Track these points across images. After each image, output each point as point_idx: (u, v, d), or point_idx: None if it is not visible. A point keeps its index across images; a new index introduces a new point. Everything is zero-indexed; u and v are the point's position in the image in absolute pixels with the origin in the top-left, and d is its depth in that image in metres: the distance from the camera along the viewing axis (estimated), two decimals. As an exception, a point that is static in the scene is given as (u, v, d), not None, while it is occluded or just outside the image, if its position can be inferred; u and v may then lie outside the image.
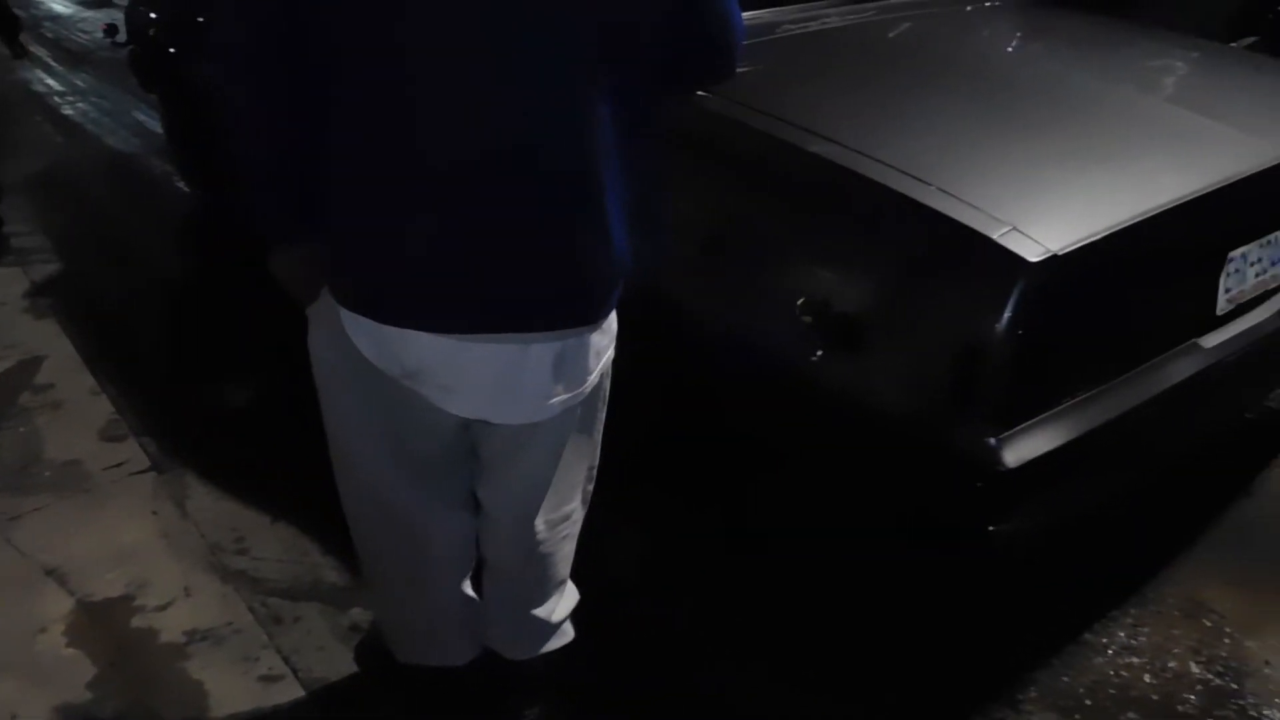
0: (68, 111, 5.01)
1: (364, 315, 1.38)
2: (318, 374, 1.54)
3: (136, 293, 3.35)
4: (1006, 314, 1.53)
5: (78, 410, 2.70)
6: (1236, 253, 1.98)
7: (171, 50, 3.42)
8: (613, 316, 1.51)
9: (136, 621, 2.04)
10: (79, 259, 3.59)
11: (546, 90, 1.28)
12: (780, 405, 1.77)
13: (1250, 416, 2.68)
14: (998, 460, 1.58)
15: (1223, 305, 1.99)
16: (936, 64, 2.26)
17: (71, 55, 5.88)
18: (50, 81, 5.42)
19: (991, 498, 1.63)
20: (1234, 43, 3.51)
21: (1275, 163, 1.94)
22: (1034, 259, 1.53)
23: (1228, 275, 1.98)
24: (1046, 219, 1.62)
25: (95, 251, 3.66)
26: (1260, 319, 2.05)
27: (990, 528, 1.65)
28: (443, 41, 1.23)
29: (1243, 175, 1.87)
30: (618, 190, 1.38)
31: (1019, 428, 1.62)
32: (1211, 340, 1.95)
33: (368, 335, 1.39)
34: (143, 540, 2.25)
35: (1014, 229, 1.57)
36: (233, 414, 2.71)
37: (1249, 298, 2.05)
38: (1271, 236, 2.07)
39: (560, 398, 1.46)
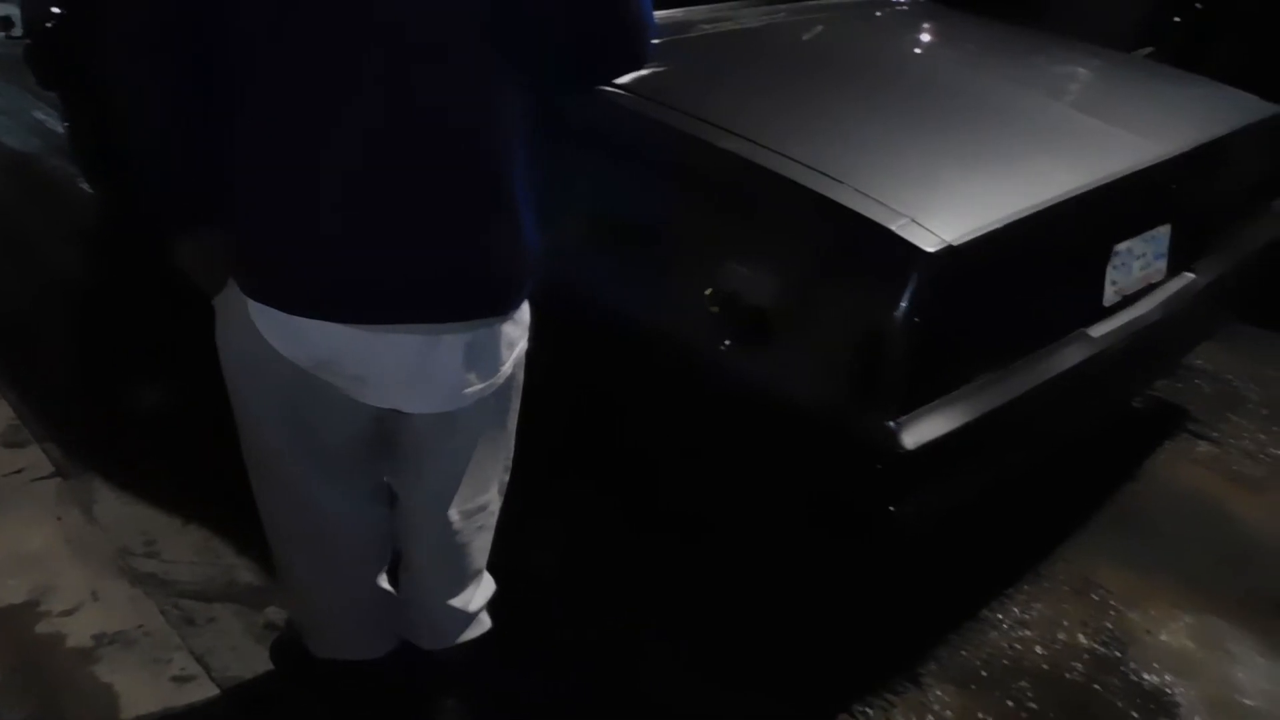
0: (-39, 110, 4.83)
1: (273, 307, 1.37)
2: (226, 367, 1.52)
3: (38, 296, 3.26)
4: (904, 302, 1.60)
5: (-23, 416, 2.62)
6: (1122, 246, 2.10)
7: (73, 45, 3.32)
8: (525, 308, 1.53)
9: (42, 627, 1.99)
10: (-24, 262, 3.47)
11: (454, 83, 1.29)
12: (690, 395, 1.82)
13: (1138, 405, 2.83)
14: (897, 443, 1.64)
15: (1110, 297, 2.10)
16: (845, 65, 2.34)
17: (-35, 53, 5.64)
18: (-58, 79, 5.20)
19: (892, 479, 1.69)
20: (1133, 52, 3.69)
21: (1157, 161, 2.06)
22: (930, 249, 1.60)
23: (1114, 268, 2.09)
24: (944, 212, 1.69)
25: (-7, 254, 3.54)
26: (1144, 310, 2.17)
27: (891, 508, 1.72)
28: (349, 33, 1.24)
29: (1127, 172, 1.98)
30: (527, 183, 1.40)
31: (917, 411, 1.69)
32: (1099, 330, 2.06)
33: (277, 326, 1.38)
34: (47, 546, 2.19)
35: (912, 221, 1.64)
36: (140, 417, 2.65)
37: (1134, 290, 2.17)
38: (1155, 232, 2.19)
39: (474, 388, 1.47)
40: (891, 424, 1.65)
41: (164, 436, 2.53)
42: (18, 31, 3.85)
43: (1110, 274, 2.08)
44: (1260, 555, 2.35)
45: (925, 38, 2.79)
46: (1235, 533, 2.41)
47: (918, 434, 1.67)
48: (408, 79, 1.27)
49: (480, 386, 1.48)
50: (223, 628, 2.01)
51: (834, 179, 1.71)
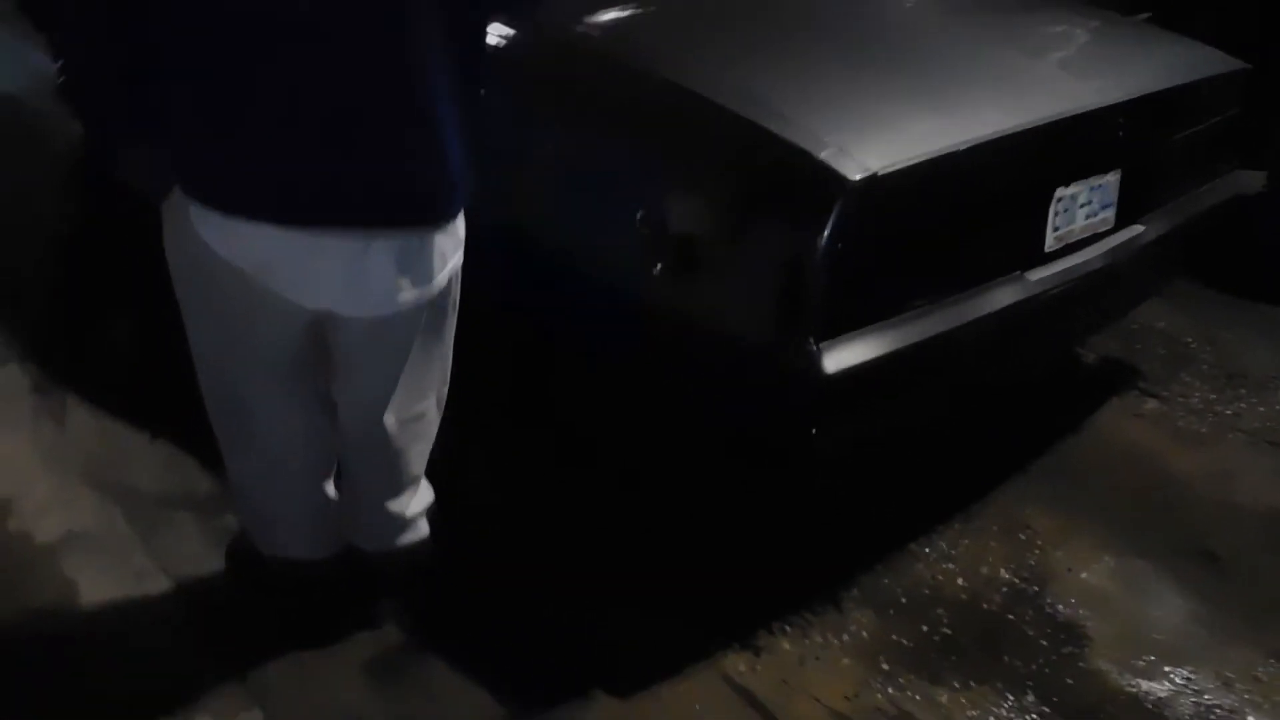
0: (-45, 52, 4.89)
1: (212, 208, 1.45)
2: (173, 273, 1.60)
3: (25, 228, 3.33)
4: (828, 228, 1.65)
5: (-41, 337, 2.71)
6: (1066, 192, 2.12)
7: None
8: (459, 223, 1.61)
9: (13, 525, 2.08)
10: (-33, 197, 3.55)
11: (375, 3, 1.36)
12: (623, 319, 1.87)
13: (1090, 362, 2.89)
14: (818, 366, 1.70)
15: (1051, 243, 2.13)
16: (796, 5, 2.35)
17: (-39, -6, 5.69)
18: (-62, 21, 5.26)
19: (813, 402, 1.75)
20: (1132, 15, 3.68)
21: (1102, 106, 2.09)
22: (854, 177, 1.66)
23: (1056, 214, 2.12)
24: (873, 143, 1.74)
25: (-15, 189, 3.63)
26: (1086, 259, 2.19)
27: (813, 431, 1.79)
28: None
29: (1068, 115, 2.00)
30: (452, 100, 1.47)
31: (841, 338, 1.74)
32: (1037, 274, 2.10)
33: (217, 229, 1.46)
34: (22, 454, 2.28)
35: (840, 150, 1.69)
36: (116, 342, 2.75)
37: (1078, 238, 2.20)
38: (1102, 180, 2.21)
39: (406, 295, 1.55)
40: (814, 348, 1.71)
41: (136, 359, 2.63)
42: (12, -23, 3.88)
43: (1053, 219, 2.11)
44: (1192, 507, 2.40)
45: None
46: (1170, 485, 2.47)
47: (840, 359, 1.72)
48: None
49: (413, 295, 1.56)
50: (181, 532, 2.09)
51: (767, 108, 1.76)
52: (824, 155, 1.68)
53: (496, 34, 1.70)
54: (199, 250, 1.48)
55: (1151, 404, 2.77)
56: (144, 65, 1.40)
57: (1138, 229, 2.34)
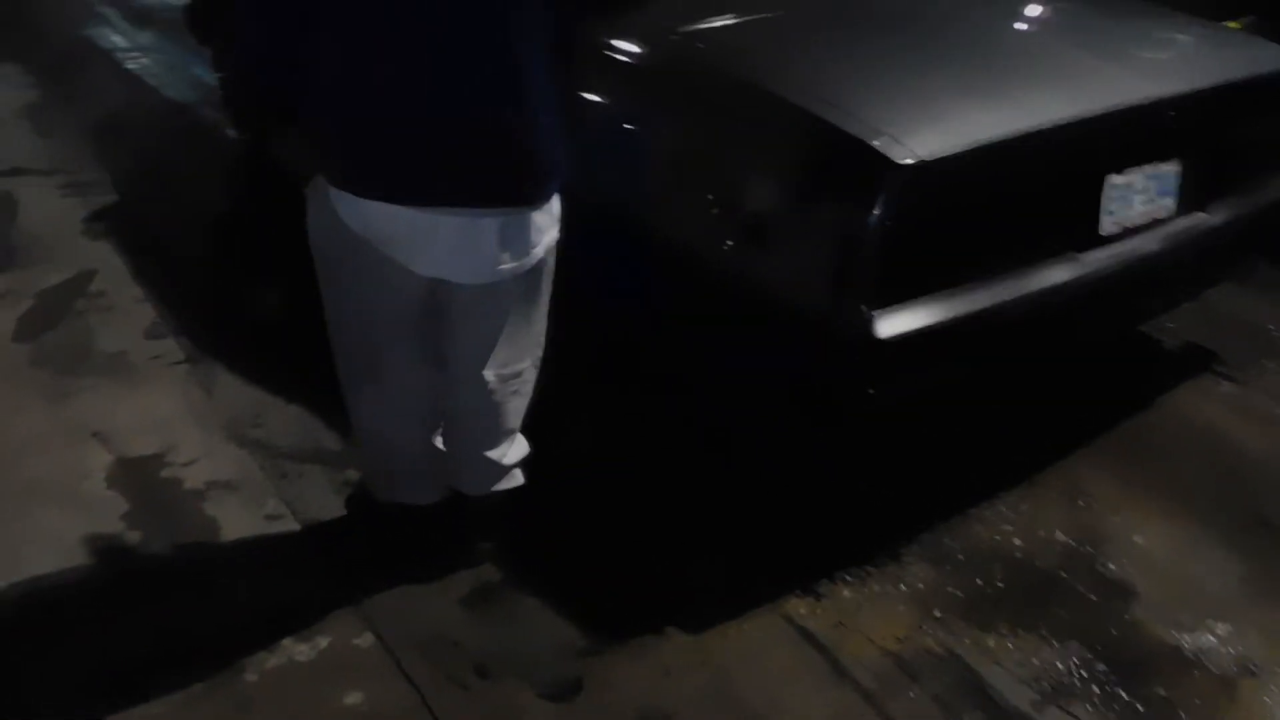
0: (131, 66, 5.35)
1: (348, 191, 1.74)
2: (314, 244, 1.88)
3: (182, 220, 3.69)
4: (879, 207, 1.82)
5: (126, 313, 3.05)
6: (1119, 180, 2.23)
7: (222, 4, 3.77)
8: (556, 202, 1.85)
9: (165, 473, 2.39)
10: (133, 192, 3.91)
11: (482, 12, 1.62)
12: (698, 291, 2.07)
13: (1169, 347, 2.94)
14: (872, 331, 1.87)
15: (1107, 227, 2.24)
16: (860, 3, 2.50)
17: (136, 14, 6.20)
18: (116, 39, 5.76)
19: (868, 364, 1.92)
20: (1229, 21, 3.64)
21: (1152, 100, 2.19)
22: (903, 162, 1.82)
23: (1111, 200, 2.23)
24: (925, 132, 1.89)
25: (148, 186, 3.99)
26: (1143, 243, 2.30)
27: (870, 391, 1.95)
28: None
29: (1115, 108, 2.12)
30: (550, 97, 1.72)
31: (894, 307, 1.90)
32: (1091, 256, 2.21)
33: (351, 208, 1.74)
34: (175, 414, 2.60)
35: (891, 138, 1.85)
36: (259, 320, 3.06)
37: (1137, 224, 2.30)
38: (1159, 169, 2.31)
39: (508, 265, 1.80)
40: (868, 316, 1.87)
41: (277, 337, 2.93)
42: (182, -4, 4.31)
43: (1106, 205, 2.22)
44: (1254, 480, 2.45)
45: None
46: (1238, 461, 2.52)
47: (892, 326, 1.89)
48: (442, 13, 1.60)
49: (513, 265, 1.81)
50: (309, 482, 2.37)
51: (830, 101, 1.94)
52: (877, 143, 1.84)
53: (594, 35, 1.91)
54: (336, 225, 1.77)
55: (1228, 387, 2.81)
56: (294, 78, 1.71)
57: (1201, 216, 2.42)
